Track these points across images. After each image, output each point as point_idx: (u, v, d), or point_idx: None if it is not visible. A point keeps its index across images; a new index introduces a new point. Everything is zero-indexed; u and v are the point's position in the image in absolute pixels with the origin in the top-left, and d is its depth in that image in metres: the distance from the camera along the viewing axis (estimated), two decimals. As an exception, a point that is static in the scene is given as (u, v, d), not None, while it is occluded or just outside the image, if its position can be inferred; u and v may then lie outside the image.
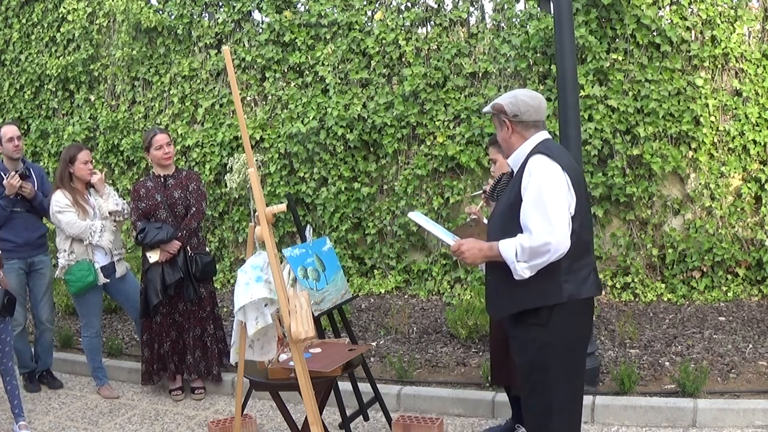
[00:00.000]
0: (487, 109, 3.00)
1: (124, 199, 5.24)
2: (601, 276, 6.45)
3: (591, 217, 2.93)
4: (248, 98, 7.64)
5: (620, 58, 6.18)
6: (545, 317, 2.78)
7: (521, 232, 2.74)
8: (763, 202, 6.09)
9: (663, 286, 6.28)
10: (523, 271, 2.71)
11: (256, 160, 7.26)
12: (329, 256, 4.17)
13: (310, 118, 7.09)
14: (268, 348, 3.29)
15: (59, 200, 4.92)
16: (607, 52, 6.22)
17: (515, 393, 4.01)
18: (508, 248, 2.73)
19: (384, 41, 6.93)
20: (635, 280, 6.34)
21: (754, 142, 6.05)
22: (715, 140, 6.14)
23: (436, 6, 6.85)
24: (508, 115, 2.88)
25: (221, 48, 7.47)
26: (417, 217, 3.16)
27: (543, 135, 2.90)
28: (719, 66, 6.13)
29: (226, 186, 7.20)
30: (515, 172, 2.91)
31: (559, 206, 2.70)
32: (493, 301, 2.99)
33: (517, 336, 2.93)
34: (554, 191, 2.71)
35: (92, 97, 8.45)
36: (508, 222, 2.82)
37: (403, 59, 6.94)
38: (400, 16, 6.95)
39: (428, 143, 6.83)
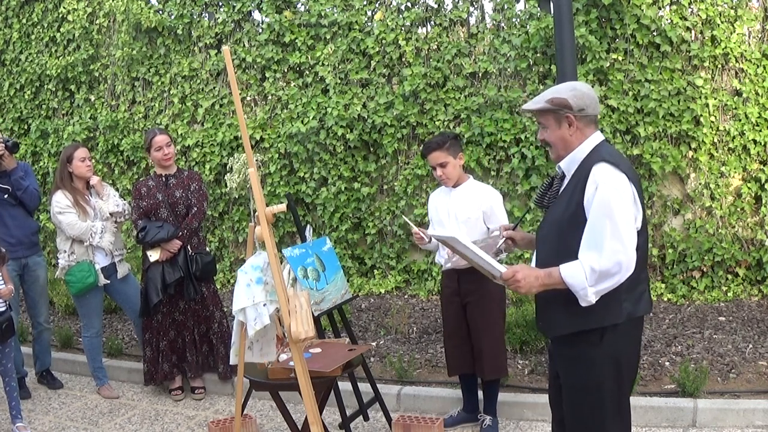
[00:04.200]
0: (539, 105, 2.64)
1: (124, 200, 5.24)
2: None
3: (647, 232, 2.68)
4: (248, 98, 7.64)
5: (620, 58, 6.18)
6: (598, 336, 2.57)
7: (578, 247, 2.50)
8: (763, 202, 6.09)
9: (663, 286, 6.28)
10: (591, 296, 2.47)
11: (256, 160, 7.26)
12: (329, 256, 4.17)
13: (310, 118, 7.09)
14: (267, 350, 3.29)
15: (60, 201, 4.91)
16: (607, 52, 6.22)
17: (488, 378, 4.04)
18: (574, 274, 2.46)
19: (384, 41, 6.94)
20: (635, 280, 6.33)
21: (754, 142, 6.05)
22: (715, 140, 6.14)
23: (436, 6, 6.85)
24: (573, 110, 2.58)
25: (221, 48, 7.47)
26: (454, 241, 2.66)
27: (600, 135, 2.65)
28: (719, 66, 6.13)
29: (226, 186, 7.21)
30: (569, 176, 2.64)
31: (629, 223, 2.47)
32: (547, 318, 2.72)
33: (565, 354, 2.69)
34: (624, 206, 2.46)
35: (92, 97, 8.45)
36: (565, 233, 2.57)
37: (403, 59, 6.94)
38: (400, 16, 6.95)
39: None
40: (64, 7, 8.37)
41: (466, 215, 3.96)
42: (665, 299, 6.20)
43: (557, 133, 2.64)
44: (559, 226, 2.61)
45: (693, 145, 6.15)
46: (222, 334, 5.14)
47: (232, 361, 3.38)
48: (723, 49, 6.02)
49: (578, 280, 2.46)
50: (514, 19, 6.58)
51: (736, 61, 6.07)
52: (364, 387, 4.27)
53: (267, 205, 3.15)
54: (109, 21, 8.21)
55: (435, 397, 4.64)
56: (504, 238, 3.13)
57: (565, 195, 2.63)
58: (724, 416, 4.09)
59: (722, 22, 6.02)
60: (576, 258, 2.50)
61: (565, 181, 2.67)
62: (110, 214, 5.01)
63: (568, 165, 2.65)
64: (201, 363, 5.12)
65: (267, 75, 7.46)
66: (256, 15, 7.60)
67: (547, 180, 2.78)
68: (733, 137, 6.08)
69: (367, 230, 7.16)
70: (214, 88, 7.75)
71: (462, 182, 4.05)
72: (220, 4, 7.72)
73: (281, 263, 3.53)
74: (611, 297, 2.50)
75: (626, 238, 2.44)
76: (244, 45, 7.58)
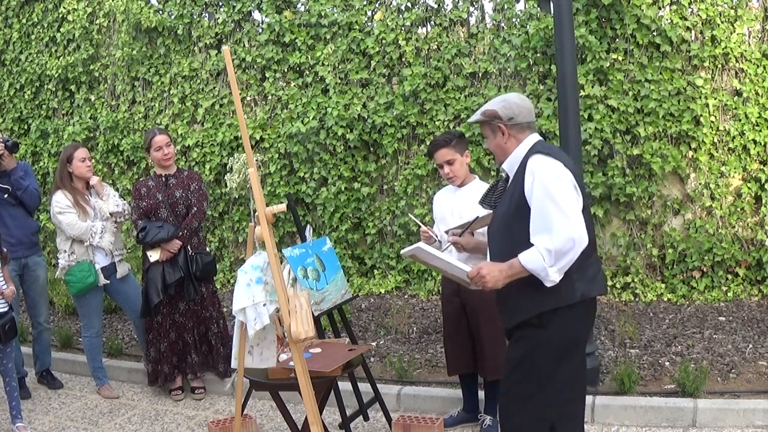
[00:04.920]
0: (475, 118, 2.91)
1: (124, 200, 5.24)
2: (601, 276, 6.45)
3: (590, 216, 2.92)
4: (248, 98, 7.64)
5: (620, 58, 6.18)
6: (546, 318, 2.73)
7: (527, 236, 2.67)
8: (763, 202, 6.09)
9: (663, 286, 6.28)
10: (554, 275, 2.62)
11: (256, 160, 7.26)
12: (329, 256, 4.16)
13: (310, 118, 7.09)
14: (267, 354, 3.29)
15: (60, 201, 4.91)
16: (607, 52, 6.22)
17: (490, 379, 4.03)
18: (532, 258, 2.63)
19: (384, 41, 6.93)
20: (635, 280, 6.34)
21: (754, 142, 6.05)
22: (715, 140, 6.14)
23: (436, 6, 6.85)
24: (503, 120, 2.83)
25: (221, 48, 7.47)
26: (420, 251, 2.86)
27: (536, 137, 2.88)
28: (719, 66, 6.13)
29: (226, 186, 7.20)
30: (511, 176, 2.86)
31: (572, 200, 2.65)
32: (508, 309, 2.88)
33: (515, 333, 2.87)
34: (563, 187, 2.66)
35: (92, 97, 8.45)
36: (513, 226, 2.75)
37: (403, 59, 6.94)
38: (400, 16, 6.95)
39: (428, 143, 6.83)
40: (64, 7, 8.37)
41: (470, 215, 3.96)
42: (665, 299, 6.20)
43: (494, 142, 2.91)
44: (506, 220, 2.81)
45: (693, 145, 6.15)
46: (221, 334, 5.14)
47: (233, 365, 3.38)
48: (723, 49, 6.02)
49: (537, 264, 2.62)
50: (514, 19, 6.58)
51: (736, 61, 6.07)
52: (364, 387, 4.27)
53: (267, 205, 3.15)
54: (109, 21, 8.21)
55: (435, 397, 4.64)
56: (449, 244, 3.36)
57: (508, 191, 2.86)
58: (724, 416, 4.09)
59: (722, 22, 6.02)
60: (526, 247, 2.66)
61: (510, 182, 2.89)
62: (110, 214, 5.01)
63: (510, 166, 2.88)
64: (200, 363, 5.12)
65: (267, 75, 7.46)
66: (256, 15, 7.60)
67: (494, 181, 3.02)
68: (733, 137, 6.08)
69: (367, 230, 7.16)
70: (214, 88, 7.75)
71: (468, 182, 4.04)
72: (220, 4, 7.72)
73: (281, 263, 3.53)
74: (563, 278, 2.66)
75: (572, 215, 2.61)
76: (244, 45, 7.58)
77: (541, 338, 2.75)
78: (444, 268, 2.86)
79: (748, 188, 6.11)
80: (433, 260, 2.87)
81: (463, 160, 3.98)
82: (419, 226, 4.04)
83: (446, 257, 2.79)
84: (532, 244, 2.65)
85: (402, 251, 2.94)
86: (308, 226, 4.87)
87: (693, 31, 6.13)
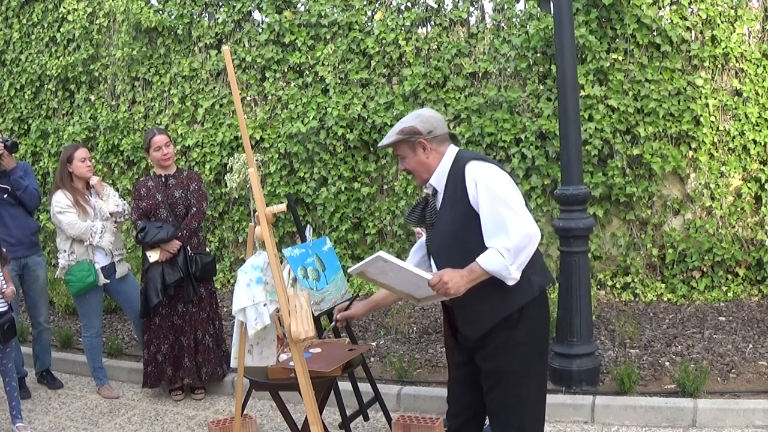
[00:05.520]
0: (391, 139, 2.81)
1: (124, 200, 5.24)
2: (600, 276, 6.46)
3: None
4: (248, 98, 7.64)
5: (620, 58, 6.18)
6: (515, 318, 2.73)
7: (479, 242, 2.64)
8: (763, 202, 6.09)
9: (663, 286, 6.28)
10: (515, 273, 2.61)
11: (256, 160, 7.26)
12: (329, 256, 4.16)
13: (310, 118, 7.09)
14: (267, 353, 3.28)
15: (60, 201, 4.91)
16: (607, 52, 6.22)
17: None
18: (492, 260, 2.59)
19: (384, 41, 6.93)
20: (635, 280, 6.34)
21: (754, 142, 6.05)
22: (715, 140, 6.14)
23: (436, 6, 6.85)
24: (423, 134, 2.78)
25: (221, 48, 7.47)
26: (379, 261, 2.66)
27: (455, 147, 2.85)
28: (719, 66, 6.13)
29: (226, 186, 7.21)
30: (442, 190, 2.80)
31: (519, 199, 2.67)
32: (472, 320, 2.81)
33: (488, 344, 2.79)
34: (508, 187, 2.68)
35: (92, 97, 8.45)
36: (460, 236, 2.72)
37: (403, 59, 6.94)
38: (400, 16, 6.95)
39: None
40: (64, 7, 8.37)
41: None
42: (665, 299, 6.20)
43: (415, 160, 2.83)
44: (451, 233, 2.76)
45: (693, 145, 6.15)
46: (220, 334, 5.13)
47: (233, 364, 3.38)
48: (723, 49, 6.02)
49: (498, 264, 2.59)
50: (514, 19, 6.58)
51: (736, 61, 6.07)
52: (364, 387, 4.27)
53: (267, 205, 3.14)
54: (109, 21, 8.21)
55: (435, 397, 4.64)
56: (335, 322, 3.37)
57: (446, 205, 2.79)
58: (724, 416, 4.09)
59: (722, 22, 6.02)
60: (479, 253, 2.62)
61: (440, 196, 2.82)
62: (110, 213, 5.01)
63: (438, 181, 2.82)
64: (196, 366, 5.08)
65: (267, 75, 7.46)
66: (256, 15, 7.60)
67: (421, 200, 2.93)
68: (733, 137, 6.08)
69: (367, 230, 7.16)
70: (214, 88, 7.75)
71: None
72: (220, 4, 7.72)
73: (281, 263, 3.53)
74: (521, 276, 2.65)
75: (522, 212, 2.63)
76: (244, 45, 7.58)
77: (516, 339, 2.74)
78: (402, 279, 2.73)
79: (748, 188, 6.11)
80: (388, 273, 2.72)
81: None
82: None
83: (407, 266, 2.68)
84: (486, 249, 2.62)
85: (351, 269, 2.79)
86: (308, 226, 4.86)
87: (693, 31, 6.13)
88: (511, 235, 2.58)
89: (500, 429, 2.86)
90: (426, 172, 2.84)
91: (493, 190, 2.65)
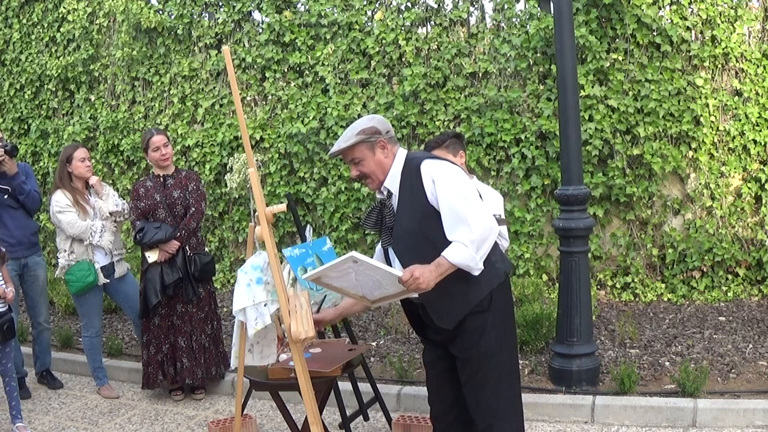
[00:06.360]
0: (351, 141, 2.82)
1: (124, 200, 5.24)
2: (600, 276, 6.46)
3: None
4: (248, 98, 7.64)
5: (620, 58, 6.18)
6: (486, 302, 2.83)
7: (439, 239, 2.72)
8: (763, 202, 6.09)
9: (663, 286, 6.28)
10: (479, 263, 2.71)
11: (256, 160, 7.26)
12: (329, 256, 4.16)
13: (310, 118, 7.09)
14: (267, 352, 3.29)
15: (59, 200, 4.91)
16: (607, 52, 6.22)
17: None
18: (458, 252, 2.66)
19: (384, 41, 6.93)
20: (635, 280, 6.34)
21: (754, 142, 6.05)
22: (715, 140, 6.14)
23: (436, 6, 6.85)
24: (382, 134, 2.86)
25: (221, 48, 7.47)
26: (348, 262, 2.65)
27: (404, 149, 2.96)
28: (719, 66, 6.13)
29: (226, 186, 7.21)
30: (397, 191, 2.86)
31: (475, 193, 2.79)
32: (446, 311, 2.85)
33: (463, 332, 2.86)
34: (464, 182, 2.78)
35: (92, 97, 8.45)
36: (422, 234, 2.79)
37: (403, 59, 6.94)
38: (400, 16, 6.95)
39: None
40: (64, 7, 8.37)
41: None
42: (665, 299, 6.20)
43: (375, 160, 2.88)
44: (413, 232, 2.82)
45: (693, 145, 6.15)
46: (219, 335, 5.12)
47: (233, 364, 3.38)
48: (723, 49, 6.02)
49: (465, 256, 2.67)
50: (514, 19, 6.58)
51: (736, 61, 6.07)
52: (364, 387, 4.27)
53: (267, 205, 3.14)
54: (109, 21, 8.21)
55: (435, 397, 4.63)
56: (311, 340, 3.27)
57: (405, 205, 2.85)
58: (724, 416, 4.09)
59: (722, 22, 6.02)
60: (441, 249, 2.69)
61: (395, 198, 2.89)
62: (110, 213, 5.01)
63: (392, 183, 2.89)
64: (194, 368, 5.07)
65: (267, 75, 7.46)
66: (256, 15, 7.60)
67: (377, 204, 2.96)
68: (733, 137, 6.08)
69: (367, 230, 7.15)
70: (214, 88, 7.75)
71: None
72: (220, 4, 7.72)
73: (281, 263, 3.53)
74: (487, 264, 2.76)
75: (480, 205, 2.75)
76: (244, 45, 7.58)
77: (489, 323, 2.85)
78: (364, 280, 2.73)
79: (748, 188, 6.11)
80: (349, 275, 2.71)
81: (455, 161, 3.97)
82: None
83: (379, 264, 2.65)
84: (449, 243, 2.70)
85: (306, 275, 2.77)
86: (308, 226, 4.86)
87: (693, 31, 6.13)
88: (473, 227, 2.67)
89: (482, 413, 2.91)
90: (383, 173, 2.89)
91: (450, 185, 2.75)
